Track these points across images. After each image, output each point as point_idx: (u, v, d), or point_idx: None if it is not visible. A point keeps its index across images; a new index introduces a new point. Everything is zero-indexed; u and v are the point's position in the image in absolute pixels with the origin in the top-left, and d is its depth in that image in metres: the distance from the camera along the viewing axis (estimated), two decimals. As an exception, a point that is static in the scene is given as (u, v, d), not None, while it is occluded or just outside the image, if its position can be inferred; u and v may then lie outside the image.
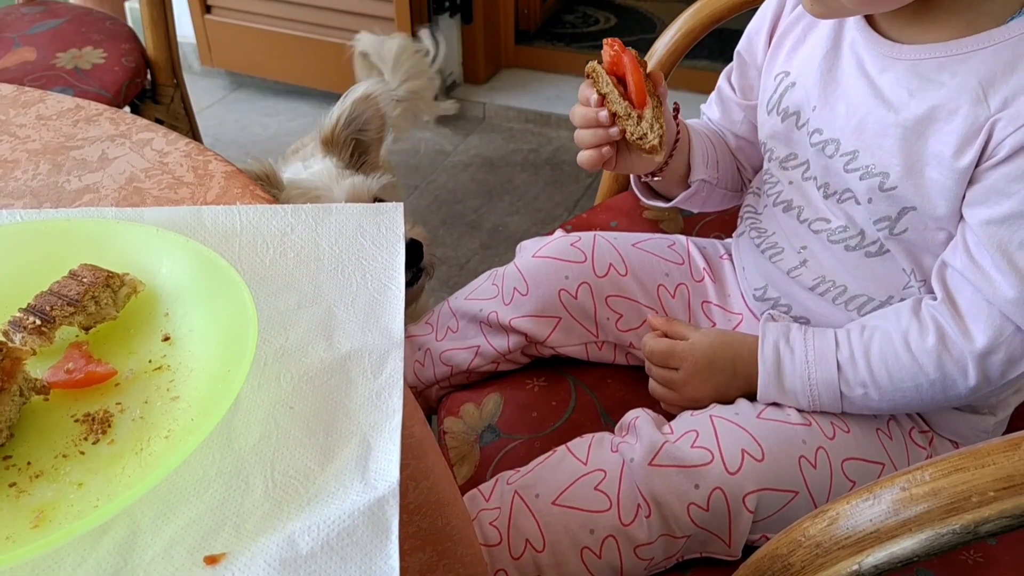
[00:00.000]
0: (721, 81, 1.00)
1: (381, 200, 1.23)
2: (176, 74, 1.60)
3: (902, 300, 0.79)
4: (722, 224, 1.14)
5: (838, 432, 0.78)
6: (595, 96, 0.80)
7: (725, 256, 0.99)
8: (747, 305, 0.93)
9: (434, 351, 0.98)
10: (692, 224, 1.16)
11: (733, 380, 0.83)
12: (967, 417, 0.83)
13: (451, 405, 0.93)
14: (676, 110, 0.91)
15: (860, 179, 0.77)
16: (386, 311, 0.61)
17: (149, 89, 1.60)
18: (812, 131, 0.82)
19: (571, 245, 0.96)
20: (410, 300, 1.17)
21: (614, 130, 0.81)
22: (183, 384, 0.53)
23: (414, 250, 1.14)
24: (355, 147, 1.26)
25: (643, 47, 0.98)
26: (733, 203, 1.01)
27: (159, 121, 1.60)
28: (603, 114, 0.81)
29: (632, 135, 0.79)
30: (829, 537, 0.54)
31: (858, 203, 0.79)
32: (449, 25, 2.62)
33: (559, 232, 1.01)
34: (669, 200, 0.97)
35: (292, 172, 1.22)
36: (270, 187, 1.10)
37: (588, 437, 0.82)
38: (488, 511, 0.78)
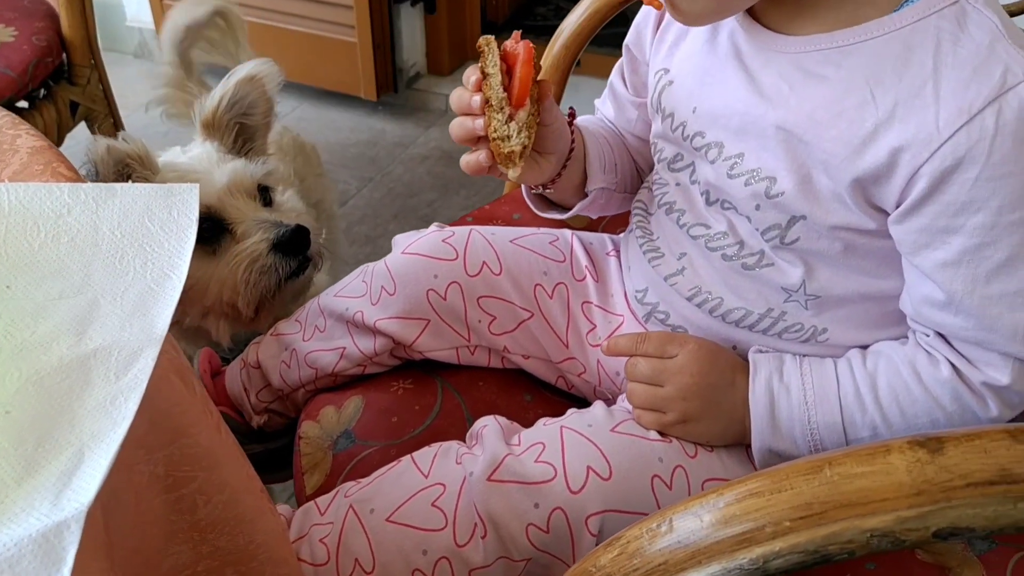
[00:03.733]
0: (613, 76, 0.93)
1: (266, 187, 1.16)
2: (94, 55, 1.54)
3: (782, 313, 0.73)
4: (626, 221, 1.07)
5: (701, 451, 0.71)
6: (475, 77, 0.71)
7: (612, 252, 0.92)
8: (629, 307, 0.86)
9: (300, 352, 0.91)
10: (597, 221, 1.09)
11: (730, 390, 0.72)
12: None
13: (312, 408, 0.87)
14: (571, 116, 0.84)
15: (745, 185, 0.70)
16: (157, 304, 0.54)
17: (65, 70, 1.54)
18: (693, 134, 0.75)
19: (442, 241, 0.89)
20: (297, 292, 1.10)
21: (478, 122, 0.71)
22: None
23: (302, 236, 1.07)
24: (239, 131, 1.19)
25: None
26: (630, 206, 0.94)
27: (75, 104, 1.54)
28: (476, 99, 0.71)
29: (495, 131, 0.69)
30: (619, 569, 0.47)
31: (740, 213, 0.73)
32: (411, 15, 2.55)
33: (433, 227, 0.95)
34: (565, 210, 0.90)
35: (170, 156, 1.14)
36: (143, 169, 1.04)
37: (436, 447, 0.75)
38: (320, 527, 0.72)
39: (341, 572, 0.69)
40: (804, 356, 0.72)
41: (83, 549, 0.42)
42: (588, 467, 0.68)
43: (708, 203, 0.75)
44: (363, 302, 0.88)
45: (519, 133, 0.69)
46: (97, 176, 0.99)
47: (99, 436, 0.46)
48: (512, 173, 0.71)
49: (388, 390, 0.86)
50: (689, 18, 0.68)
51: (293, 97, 2.61)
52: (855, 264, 0.69)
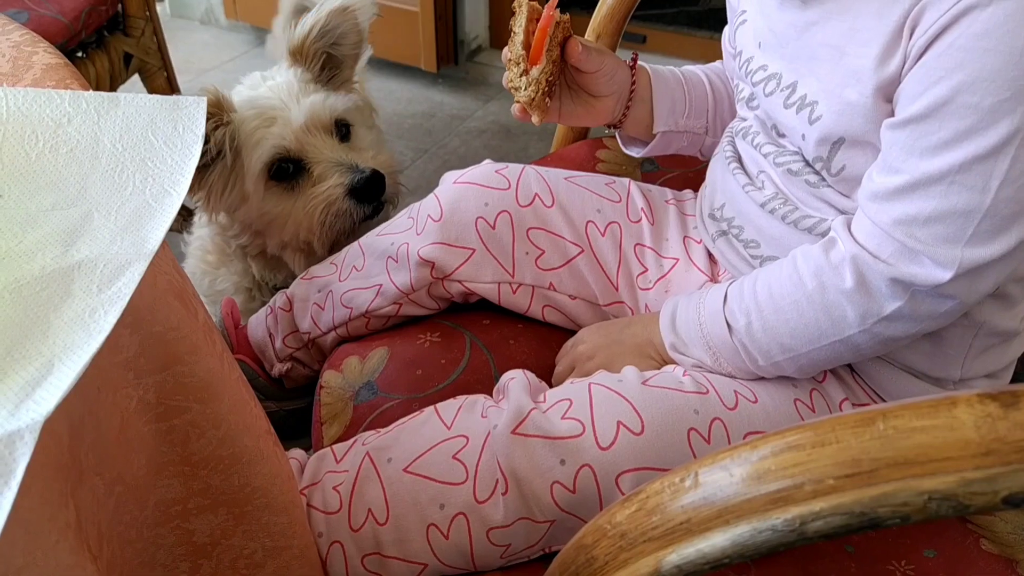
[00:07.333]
0: (724, 30, 0.94)
1: (346, 123, 1.13)
2: (149, 7, 1.52)
3: None
4: (684, 181, 1.02)
5: (742, 401, 0.66)
6: (511, 33, 0.76)
7: (671, 201, 0.89)
8: (686, 249, 0.83)
9: (336, 292, 0.88)
10: (652, 180, 1.03)
11: (627, 327, 0.77)
12: (928, 389, 0.70)
13: (336, 358, 0.83)
14: (633, 60, 0.86)
15: (796, 112, 0.68)
16: (153, 220, 0.51)
17: (120, 21, 1.52)
18: (756, 69, 0.74)
19: (496, 172, 0.86)
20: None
21: (506, 73, 0.76)
22: None
23: (377, 182, 1.05)
24: (326, 61, 1.16)
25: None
26: None
27: (128, 56, 1.53)
28: (505, 53, 0.77)
29: (510, 82, 0.75)
30: (636, 526, 0.42)
31: (793, 146, 0.73)
32: (475, -14, 2.51)
33: (486, 162, 0.91)
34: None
35: (249, 83, 1.13)
36: (220, 112, 1.02)
37: (462, 399, 0.71)
38: (335, 474, 0.68)
39: (353, 522, 0.65)
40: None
41: (38, 465, 0.39)
42: (619, 422, 0.63)
43: (779, 134, 0.75)
44: (408, 235, 0.85)
45: (528, 87, 0.74)
46: None
47: (72, 348, 0.42)
48: (535, 118, 0.76)
49: (415, 342, 0.81)
50: None
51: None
52: None
